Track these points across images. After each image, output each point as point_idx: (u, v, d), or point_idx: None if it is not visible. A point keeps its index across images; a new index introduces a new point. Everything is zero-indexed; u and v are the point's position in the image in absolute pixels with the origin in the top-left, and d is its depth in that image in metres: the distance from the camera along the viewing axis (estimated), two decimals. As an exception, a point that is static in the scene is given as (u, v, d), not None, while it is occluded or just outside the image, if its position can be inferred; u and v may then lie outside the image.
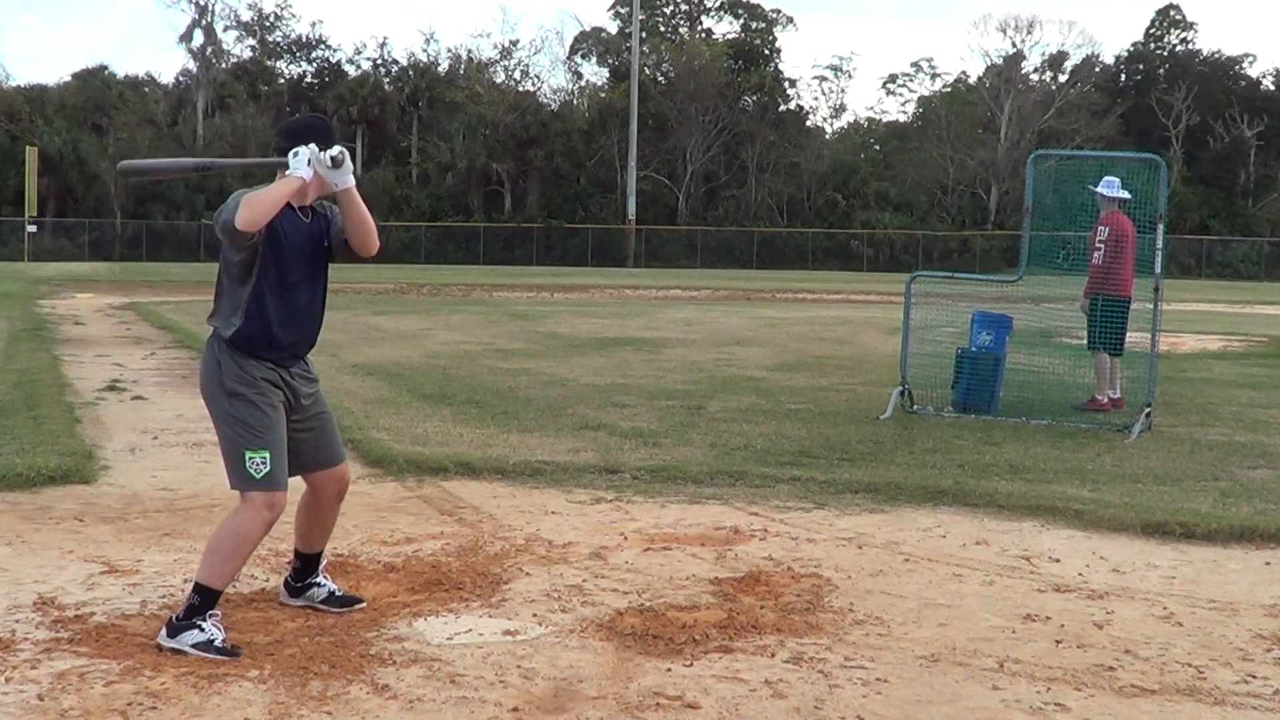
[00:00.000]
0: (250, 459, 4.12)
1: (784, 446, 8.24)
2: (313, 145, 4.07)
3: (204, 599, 4.08)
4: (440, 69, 74.02)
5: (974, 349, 9.99)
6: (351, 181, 4.15)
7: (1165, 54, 75.32)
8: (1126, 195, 9.92)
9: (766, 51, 75.62)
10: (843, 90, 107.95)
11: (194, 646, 3.98)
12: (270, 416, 4.17)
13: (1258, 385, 12.75)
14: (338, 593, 4.63)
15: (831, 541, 5.80)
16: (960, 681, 3.95)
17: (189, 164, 4.32)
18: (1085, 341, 10.28)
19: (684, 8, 78.37)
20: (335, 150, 4.07)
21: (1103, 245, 9.89)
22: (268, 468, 4.13)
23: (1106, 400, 10.09)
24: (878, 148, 78.89)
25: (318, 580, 4.62)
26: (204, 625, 4.03)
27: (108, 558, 5.26)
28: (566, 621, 4.48)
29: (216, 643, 4.00)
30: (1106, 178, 10.06)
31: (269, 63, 75.34)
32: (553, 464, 7.41)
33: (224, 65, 72.66)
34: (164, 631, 4.08)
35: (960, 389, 9.96)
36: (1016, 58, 72.56)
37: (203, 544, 5.50)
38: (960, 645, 4.30)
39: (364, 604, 4.61)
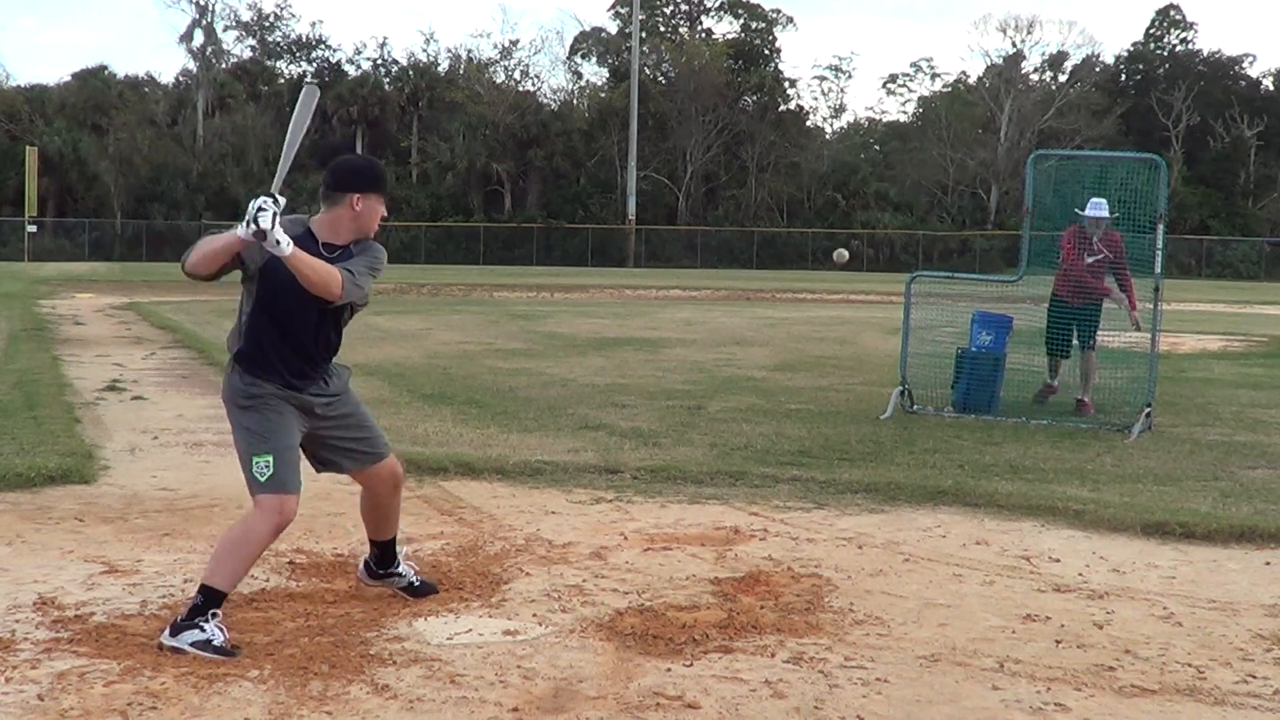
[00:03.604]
0: (256, 463, 4.17)
1: (784, 446, 8.24)
2: (264, 208, 3.88)
3: (207, 600, 4.09)
4: (440, 69, 73.99)
5: (974, 349, 9.99)
6: (285, 252, 3.96)
7: (1165, 54, 75.31)
8: (1114, 216, 9.94)
9: (766, 51, 75.61)
10: (843, 90, 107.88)
11: (193, 645, 3.98)
12: (274, 421, 4.22)
13: (1258, 385, 12.75)
14: (416, 583, 4.77)
15: (831, 541, 5.80)
16: (960, 681, 3.94)
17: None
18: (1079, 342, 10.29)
19: (684, 8, 78.35)
20: (247, 231, 3.89)
21: (1101, 254, 9.97)
22: (270, 470, 4.16)
23: (1089, 400, 10.14)
24: (878, 148, 78.87)
25: (399, 570, 4.75)
26: (205, 626, 4.03)
27: (108, 558, 5.25)
28: (566, 621, 4.47)
29: (215, 642, 3.99)
30: (1092, 199, 10.03)
31: (269, 63, 75.35)
32: (553, 464, 7.41)
33: (224, 65, 72.64)
34: (166, 631, 4.09)
35: (960, 389, 9.96)
36: (1016, 58, 72.57)
37: (203, 544, 5.52)
38: (960, 645, 4.30)
39: (438, 592, 4.77)
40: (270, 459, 4.16)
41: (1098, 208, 9.96)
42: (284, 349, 4.25)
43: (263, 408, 4.22)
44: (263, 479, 4.15)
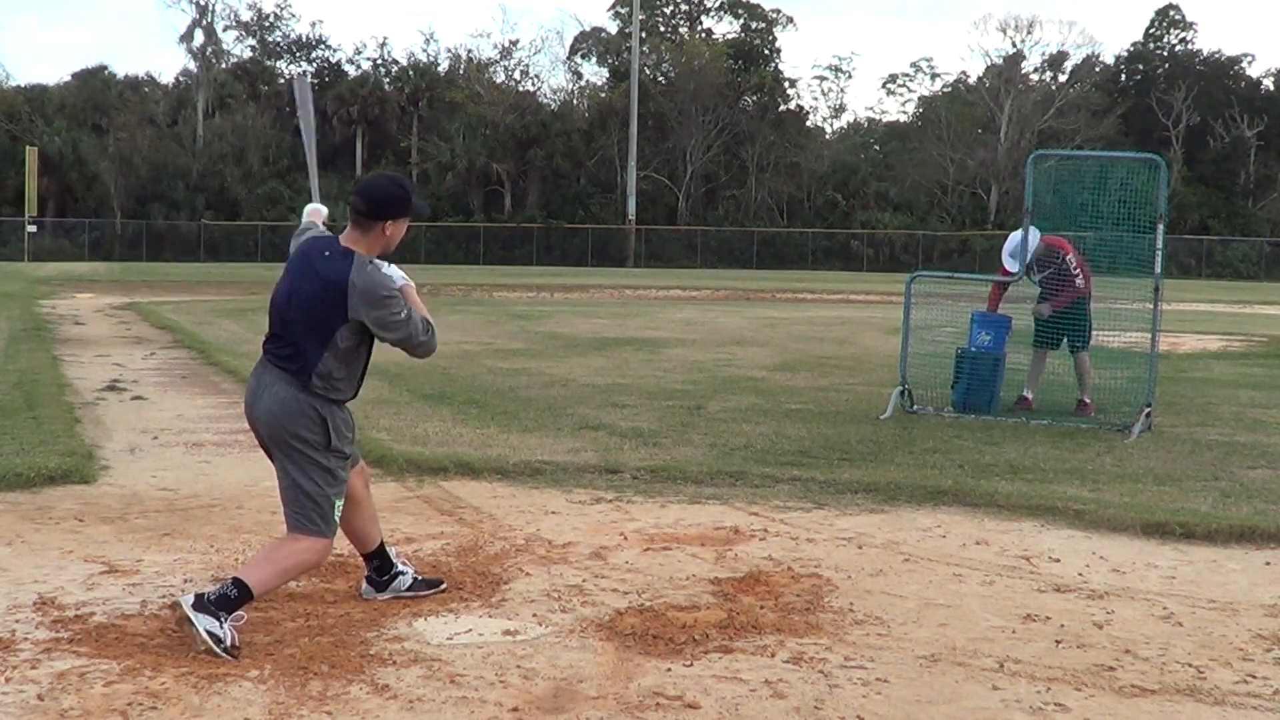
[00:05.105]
0: (338, 506, 4.37)
1: (784, 446, 8.24)
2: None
3: (240, 597, 4.10)
4: (440, 69, 74.00)
5: (974, 349, 9.99)
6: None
7: (1165, 54, 75.31)
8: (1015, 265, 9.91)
9: (766, 51, 75.59)
10: (843, 90, 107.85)
11: (207, 631, 3.97)
12: (347, 467, 4.49)
13: (1258, 385, 12.75)
14: (419, 578, 4.82)
15: (831, 541, 5.80)
16: (960, 681, 3.94)
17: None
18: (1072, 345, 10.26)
19: (684, 8, 78.33)
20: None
21: (1079, 270, 9.98)
22: (339, 516, 4.42)
23: (1090, 401, 10.12)
24: (878, 148, 78.85)
25: (400, 570, 4.77)
26: (225, 623, 4.04)
27: (108, 558, 5.25)
28: (566, 621, 4.48)
29: (225, 644, 3.98)
30: (1010, 246, 9.96)
31: (269, 63, 75.35)
32: (553, 464, 7.41)
33: (224, 65, 72.63)
34: (190, 599, 4.08)
35: (960, 389, 9.96)
36: (1016, 58, 72.54)
37: (203, 544, 5.53)
38: (960, 645, 4.30)
39: (444, 585, 4.83)
40: (341, 504, 4.34)
41: (1011, 256, 9.89)
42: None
43: (345, 455, 4.37)
44: (332, 523, 4.30)
